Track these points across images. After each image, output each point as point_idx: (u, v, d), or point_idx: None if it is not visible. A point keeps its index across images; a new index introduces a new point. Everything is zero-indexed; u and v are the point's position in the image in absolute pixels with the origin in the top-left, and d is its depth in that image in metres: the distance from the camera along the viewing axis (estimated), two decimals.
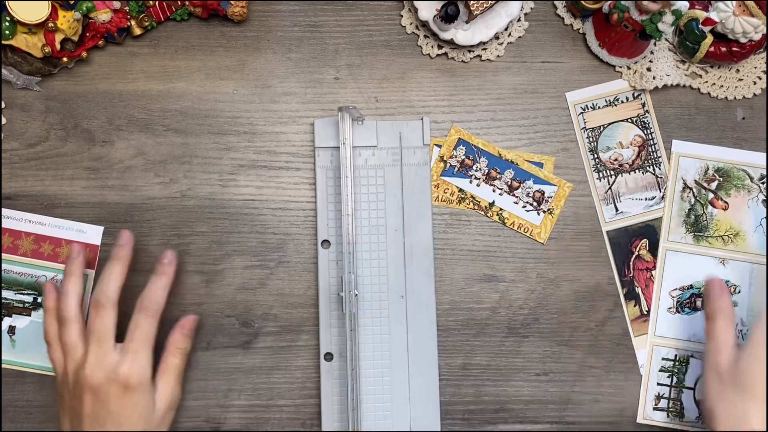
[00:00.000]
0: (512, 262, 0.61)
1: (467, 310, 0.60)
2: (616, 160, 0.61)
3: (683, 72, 0.62)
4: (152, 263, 0.59)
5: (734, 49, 0.60)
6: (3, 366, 0.58)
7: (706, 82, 0.62)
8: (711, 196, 0.60)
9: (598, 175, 0.61)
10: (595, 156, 0.61)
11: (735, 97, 0.63)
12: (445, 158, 0.61)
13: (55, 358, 0.54)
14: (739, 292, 0.60)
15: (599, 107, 0.62)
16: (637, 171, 0.62)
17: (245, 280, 0.60)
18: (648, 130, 0.62)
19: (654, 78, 0.61)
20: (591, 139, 0.61)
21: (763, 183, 0.60)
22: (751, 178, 0.60)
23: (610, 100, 0.62)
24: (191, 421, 0.59)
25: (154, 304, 0.53)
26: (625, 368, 0.61)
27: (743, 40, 0.59)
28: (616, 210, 0.61)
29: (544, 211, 0.61)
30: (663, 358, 0.60)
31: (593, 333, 0.61)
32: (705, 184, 0.59)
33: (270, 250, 0.60)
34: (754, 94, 0.63)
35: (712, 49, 0.60)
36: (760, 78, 0.63)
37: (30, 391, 0.58)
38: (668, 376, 0.60)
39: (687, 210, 0.60)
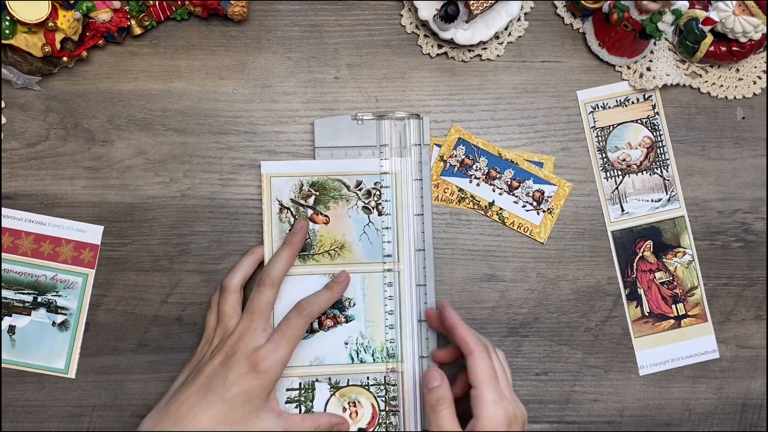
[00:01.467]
0: (512, 262, 0.61)
1: (467, 310, 0.60)
2: (624, 160, 0.61)
3: (683, 72, 0.62)
4: (152, 263, 0.59)
5: (734, 48, 0.60)
6: (3, 366, 0.58)
7: (706, 81, 0.62)
8: (310, 212, 0.58)
9: (606, 174, 0.61)
10: (603, 155, 0.61)
11: (735, 97, 0.63)
12: (444, 158, 0.61)
13: (209, 320, 0.56)
14: (354, 305, 0.58)
15: (610, 107, 0.62)
16: (644, 172, 0.62)
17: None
18: (657, 132, 0.62)
19: (654, 78, 0.61)
20: (600, 138, 0.61)
21: (360, 190, 0.58)
22: (348, 187, 0.58)
23: (620, 101, 0.62)
24: None
25: (310, 308, 0.55)
26: (625, 368, 0.61)
27: (743, 40, 0.59)
28: (622, 210, 0.61)
29: (543, 211, 0.61)
30: (287, 389, 0.57)
31: (593, 333, 0.61)
32: (302, 201, 0.57)
33: None
34: (754, 94, 0.63)
35: (712, 48, 0.60)
36: (760, 77, 0.63)
37: (30, 390, 0.58)
38: (296, 407, 0.57)
39: (287, 231, 0.58)
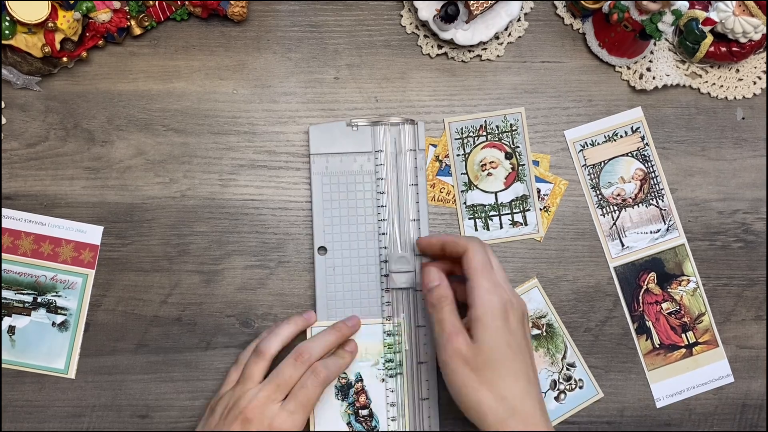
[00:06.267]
0: (512, 262, 0.61)
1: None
2: (618, 195, 0.61)
3: (683, 72, 0.62)
4: (152, 263, 0.59)
5: (734, 49, 0.60)
6: (3, 366, 0.58)
7: (706, 82, 0.62)
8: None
9: (602, 211, 0.61)
10: (598, 192, 0.61)
11: (735, 97, 0.63)
12: (440, 157, 0.61)
13: (231, 376, 0.56)
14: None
15: (598, 143, 0.61)
16: (640, 205, 0.61)
17: (245, 280, 0.60)
18: (649, 163, 0.62)
19: (654, 78, 0.61)
20: (592, 175, 0.61)
21: None
22: None
23: (609, 136, 0.61)
24: (191, 421, 0.59)
25: (327, 373, 0.54)
26: (625, 368, 0.61)
27: (743, 40, 0.59)
28: (622, 245, 0.61)
29: (540, 209, 0.61)
30: None
31: (593, 333, 0.61)
32: None
33: (270, 250, 0.60)
34: (754, 94, 0.63)
35: (712, 49, 0.60)
36: (760, 78, 0.63)
37: (29, 390, 0.58)
38: None
39: None
